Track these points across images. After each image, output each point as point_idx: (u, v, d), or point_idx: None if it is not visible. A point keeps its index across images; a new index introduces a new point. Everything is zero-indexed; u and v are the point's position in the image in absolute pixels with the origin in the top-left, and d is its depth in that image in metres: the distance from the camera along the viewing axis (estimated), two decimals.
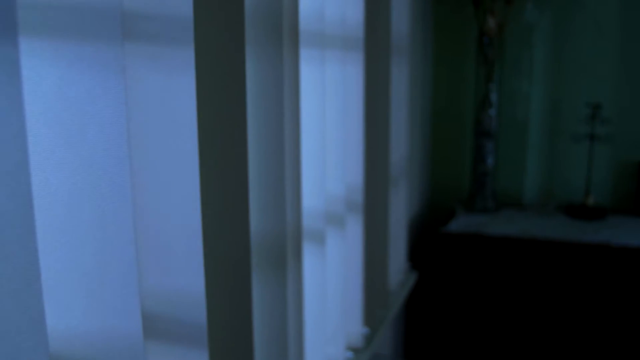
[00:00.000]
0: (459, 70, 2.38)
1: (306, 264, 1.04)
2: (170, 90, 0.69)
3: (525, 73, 2.34)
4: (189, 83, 0.69)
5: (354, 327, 1.37)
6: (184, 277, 0.75)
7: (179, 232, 0.74)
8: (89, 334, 0.66)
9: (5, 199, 0.48)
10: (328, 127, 1.10)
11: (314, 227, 1.04)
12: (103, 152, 0.62)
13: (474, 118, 2.19)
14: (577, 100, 2.28)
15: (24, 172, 0.50)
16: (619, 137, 2.27)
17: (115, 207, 0.64)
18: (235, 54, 0.77)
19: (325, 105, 1.06)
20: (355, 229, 1.28)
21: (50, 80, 0.58)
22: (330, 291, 1.20)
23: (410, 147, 2.00)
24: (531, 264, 1.93)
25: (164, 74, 0.69)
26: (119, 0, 0.61)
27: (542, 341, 1.96)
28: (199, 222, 0.73)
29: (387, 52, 1.43)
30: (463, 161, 2.42)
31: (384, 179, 1.47)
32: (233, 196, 0.80)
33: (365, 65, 1.28)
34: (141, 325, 0.70)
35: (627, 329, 1.89)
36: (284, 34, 0.86)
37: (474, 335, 2.02)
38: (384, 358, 1.71)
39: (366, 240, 1.36)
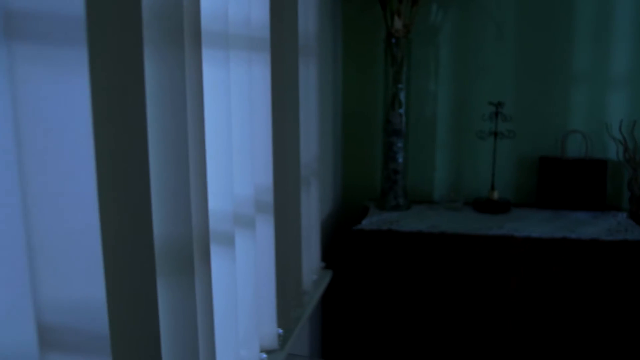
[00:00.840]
0: (369, 71, 2.42)
1: (215, 268, 1.03)
2: (61, 92, 0.66)
3: (432, 73, 2.41)
4: (82, 84, 0.66)
5: (268, 329, 1.37)
6: (83, 285, 0.72)
7: (76, 239, 0.71)
8: None
9: None
10: (234, 129, 1.09)
11: (222, 229, 1.03)
12: None
13: (384, 117, 2.23)
14: (481, 99, 2.37)
15: None
16: (520, 133, 2.37)
17: (2, 215, 0.61)
18: (133, 54, 0.75)
19: (231, 107, 1.05)
20: (265, 230, 1.27)
21: None
22: (242, 294, 1.19)
23: (321, 147, 2.01)
24: (442, 258, 1.98)
25: (55, 75, 0.66)
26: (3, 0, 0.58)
27: (454, 332, 2.03)
28: (98, 228, 0.71)
29: (295, 52, 1.43)
30: (374, 160, 2.46)
31: (295, 179, 1.48)
32: (134, 200, 0.78)
33: (272, 65, 1.27)
34: (36, 336, 0.67)
35: (532, 315, 1.98)
36: (185, 34, 0.85)
37: (389, 331, 2.05)
38: (301, 358, 1.72)
39: (278, 241, 1.36)
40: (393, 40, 2.18)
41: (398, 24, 2.16)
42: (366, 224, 2.08)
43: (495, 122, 2.27)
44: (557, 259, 1.94)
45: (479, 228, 2.04)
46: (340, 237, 2.46)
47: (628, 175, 2.35)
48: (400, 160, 2.24)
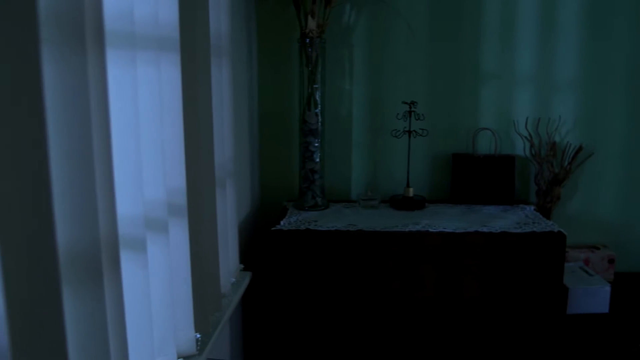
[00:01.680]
0: (284, 71, 2.42)
1: (126, 274, 1.00)
2: None
3: (347, 72, 2.43)
4: None
5: (185, 334, 1.34)
6: None
7: None
8: None
9: None
10: (143, 130, 1.06)
11: (132, 234, 1.00)
12: None
13: (300, 117, 2.24)
14: (395, 98, 2.41)
15: None
16: (433, 131, 2.43)
17: None
18: (29, 55, 0.71)
19: (139, 108, 1.02)
20: (180, 234, 1.24)
21: None
22: (156, 300, 1.16)
23: (237, 148, 1.99)
24: (360, 255, 2.01)
25: None
26: None
27: (374, 328, 2.05)
28: None
29: (206, 52, 1.41)
30: (292, 160, 2.46)
31: (209, 180, 1.45)
32: (35, 206, 0.74)
33: (183, 66, 1.25)
34: None
35: (448, 307, 2.03)
36: (87, 33, 0.81)
37: (310, 330, 2.06)
38: None
39: (193, 244, 1.34)
40: (307, 41, 2.18)
41: (312, 24, 2.17)
42: (285, 224, 2.08)
43: (409, 121, 2.32)
44: (470, 252, 2.00)
45: (396, 225, 2.08)
46: (259, 238, 2.44)
47: (534, 170, 2.46)
48: (317, 159, 2.25)
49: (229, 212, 1.70)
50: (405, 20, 2.38)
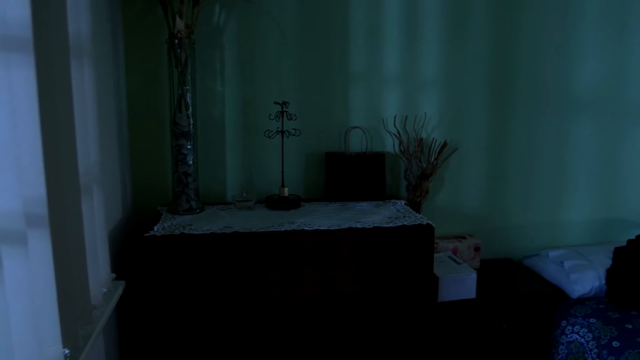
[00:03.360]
0: (154, 72, 2.35)
1: None
2: None
3: (218, 74, 2.41)
4: None
5: (52, 351, 1.27)
6: None
7: None
8: None
9: None
10: None
11: None
12: None
13: (171, 119, 2.19)
14: (267, 99, 2.42)
15: None
16: (306, 131, 2.46)
17: None
18: None
19: None
20: (41, 246, 1.17)
21: None
22: (16, 317, 1.09)
23: (104, 152, 1.91)
24: (236, 257, 1.99)
25: None
26: None
27: (255, 329, 2.04)
28: None
29: (65, 53, 1.34)
30: (165, 163, 2.40)
31: (73, 187, 1.38)
32: None
33: (38, 68, 1.18)
34: None
35: (326, 303, 2.07)
36: None
37: (189, 335, 2.02)
38: None
39: (57, 255, 1.26)
40: (176, 41, 2.14)
41: (180, 24, 2.12)
42: (158, 229, 2.02)
43: (282, 121, 2.34)
44: (345, 248, 2.05)
45: (272, 225, 2.08)
46: (132, 246, 2.36)
47: (404, 166, 2.56)
48: (191, 162, 2.21)
49: (97, 219, 1.63)
50: (275, 21, 2.39)
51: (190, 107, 2.19)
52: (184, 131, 2.18)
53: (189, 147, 2.20)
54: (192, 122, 2.19)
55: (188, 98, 2.18)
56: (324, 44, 2.46)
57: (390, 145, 2.57)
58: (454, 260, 2.44)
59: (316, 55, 2.46)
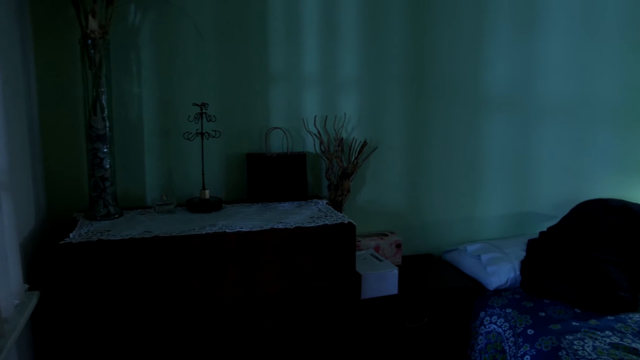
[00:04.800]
0: (67, 74, 2.27)
1: None
2: None
3: (135, 75, 2.35)
4: None
5: None
6: None
7: None
8: None
9: None
10: None
11: None
12: None
13: (86, 122, 2.12)
14: (185, 100, 2.38)
15: None
16: (226, 132, 2.45)
17: None
18: None
19: None
20: None
21: None
22: None
23: (13, 158, 1.83)
24: (157, 262, 1.95)
25: None
26: None
27: (177, 335, 2.01)
28: None
29: None
30: (81, 168, 2.32)
31: None
32: None
33: None
34: None
35: (249, 307, 2.06)
36: None
37: (111, 346, 1.96)
38: None
39: None
40: (89, 42, 2.07)
41: (93, 24, 2.06)
42: (74, 236, 1.96)
43: (201, 123, 2.31)
44: (268, 249, 2.04)
45: (193, 228, 2.06)
46: (47, 254, 2.27)
47: (325, 165, 2.58)
48: (107, 166, 2.15)
49: (6, 228, 1.56)
50: (193, 22, 2.36)
51: (106, 110, 2.13)
52: (100, 134, 2.12)
53: (105, 150, 2.14)
54: (108, 125, 2.13)
55: (103, 100, 2.12)
56: (243, 45, 2.45)
57: (311, 145, 2.59)
58: (376, 258, 2.49)
59: (235, 56, 2.44)
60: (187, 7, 2.35)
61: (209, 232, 2.02)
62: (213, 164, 2.47)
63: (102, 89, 2.11)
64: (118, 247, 1.92)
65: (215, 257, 2.00)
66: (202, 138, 2.32)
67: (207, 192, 2.33)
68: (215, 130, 2.36)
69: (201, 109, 2.30)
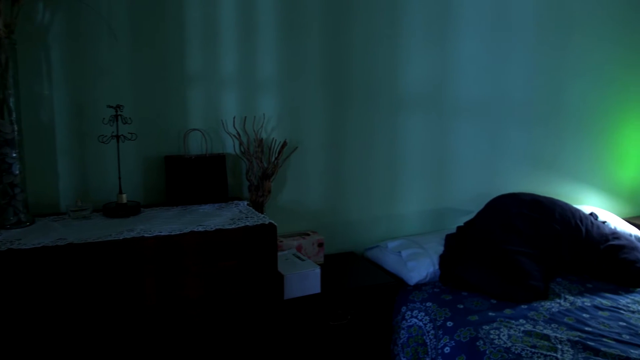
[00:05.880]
0: None
1: None
2: None
3: (45, 76, 2.27)
4: None
5: None
6: None
7: None
8: None
9: None
10: None
11: None
12: None
13: None
14: (100, 102, 2.31)
15: None
16: (143, 134, 2.39)
17: None
18: None
19: None
20: None
21: None
22: None
23: None
24: (73, 271, 1.88)
25: None
26: None
27: (98, 344, 1.95)
28: None
29: None
30: None
31: None
32: None
33: None
34: None
35: (173, 311, 2.02)
36: None
37: (21, 358, 1.88)
38: None
39: None
40: None
41: None
42: None
43: (117, 125, 2.25)
44: (188, 252, 2.01)
45: (110, 234, 2.00)
46: None
47: (245, 166, 2.57)
48: (17, 172, 2.06)
49: None
50: (106, 22, 2.29)
51: (14, 113, 2.03)
52: (8, 139, 2.03)
53: (14, 155, 2.04)
54: (16, 128, 2.04)
55: (11, 103, 2.03)
56: (159, 45, 2.40)
57: (230, 146, 2.57)
58: (299, 257, 2.50)
59: (151, 57, 2.39)
60: (100, 6, 2.28)
61: (127, 237, 1.97)
62: (130, 167, 2.41)
63: (10, 91, 2.02)
64: (30, 257, 1.84)
65: (134, 263, 1.95)
66: (117, 141, 2.26)
67: (124, 196, 2.27)
68: (131, 133, 2.30)
69: (116, 111, 2.24)
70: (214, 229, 2.07)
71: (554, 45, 3.32)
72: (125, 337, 1.98)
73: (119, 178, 2.29)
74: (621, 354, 2.14)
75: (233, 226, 2.10)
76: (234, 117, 2.55)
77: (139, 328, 1.99)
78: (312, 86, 2.71)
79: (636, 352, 2.17)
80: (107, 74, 2.34)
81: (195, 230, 2.05)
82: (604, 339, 2.26)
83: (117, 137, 2.25)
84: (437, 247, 2.83)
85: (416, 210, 3.11)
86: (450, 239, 2.87)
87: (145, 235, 1.99)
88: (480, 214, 3.02)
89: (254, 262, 2.11)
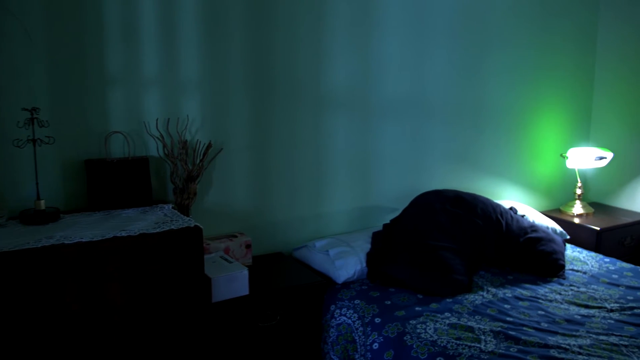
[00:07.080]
0: None
1: None
2: None
3: None
4: None
5: None
6: None
7: None
8: None
9: None
10: None
11: None
12: None
13: None
14: (14, 105, 2.22)
15: None
16: (61, 138, 2.31)
17: None
18: None
19: None
20: None
21: None
22: None
23: None
24: None
25: None
26: None
27: (17, 357, 1.88)
28: None
29: None
30: None
31: None
32: None
33: None
34: None
35: (96, 319, 1.97)
36: None
37: None
38: None
39: None
40: None
41: None
42: None
43: (32, 129, 2.17)
44: (111, 259, 1.96)
45: (27, 242, 1.92)
46: None
47: (169, 169, 2.53)
48: None
49: None
50: (19, 20, 2.20)
51: None
52: None
53: None
54: None
55: None
56: (77, 46, 2.33)
57: (154, 148, 2.52)
58: (226, 260, 2.48)
59: (68, 57, 2.31)
60: (11, 5, 2.19)
61: (46, 244, 1.90)
62: (49, 172, 2.33)
63: None
64: None
65: (55, 272, 1.88)
66: (34, 145, 2.17)
67: (42, 202, 2.19)
68: (48, 137, 2.22)
69: (32, 114, 2.15)
70: (137, 233, 2.02)
71: (473, 47, 3.43)
72: (47, 347, 1.91)
73: (37, 183, 2.20)
74: (540, 341, 2.24)
75: (157, 230, 2.06)
76: (157, 119, 2.50)
77: (62, 337, 1.93)
78: (236, 87, 2.69)
79: (553, 338, 2.27)
80: (22, 76, 2.25)
81: (118, 235, 2.00)
82: (524, 328, 2.36)
83: (34, 140, 2.17)
84: (364, 245, 2.87)
85: (343, 209, 3.14)
86: (376, 237, 2.92)
87: (66, 242, 1.93)
88: (405, 211, 3.07)
89: (180, 265, 2.08)
